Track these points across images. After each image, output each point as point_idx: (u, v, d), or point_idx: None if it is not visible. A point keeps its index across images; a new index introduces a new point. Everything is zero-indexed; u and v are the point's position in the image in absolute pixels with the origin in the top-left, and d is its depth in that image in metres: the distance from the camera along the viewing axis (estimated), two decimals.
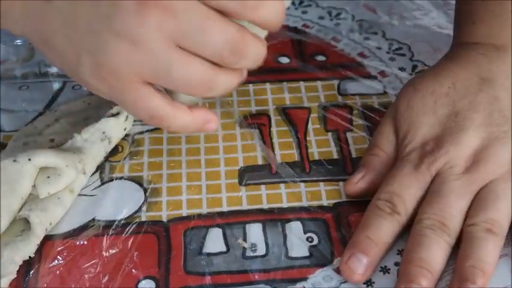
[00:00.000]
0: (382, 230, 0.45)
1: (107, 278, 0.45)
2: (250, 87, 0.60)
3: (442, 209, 0.45)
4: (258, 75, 0.60)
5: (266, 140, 0.55)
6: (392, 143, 0.50)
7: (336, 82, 0.60)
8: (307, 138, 0.55)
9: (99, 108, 0.56)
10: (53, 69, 0.61)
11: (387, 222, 0.45)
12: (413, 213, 0.46)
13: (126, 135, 0.55)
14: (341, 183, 0.51)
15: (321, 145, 0.54)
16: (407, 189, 0.46)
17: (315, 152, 0.54)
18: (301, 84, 0.60)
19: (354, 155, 0.53)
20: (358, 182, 0.49)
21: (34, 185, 0.48)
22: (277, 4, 0.39)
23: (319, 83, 0.60)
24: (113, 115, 0.53)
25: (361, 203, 0.49)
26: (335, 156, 0.53)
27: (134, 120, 0.55)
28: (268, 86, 0.60)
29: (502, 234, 0.45)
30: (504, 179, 0.46)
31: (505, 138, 0.47)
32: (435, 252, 0.43)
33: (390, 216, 0.45)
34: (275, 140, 0.55)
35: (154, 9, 0.37)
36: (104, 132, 0.52)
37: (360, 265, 0.44)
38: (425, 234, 0.44)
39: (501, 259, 0.45)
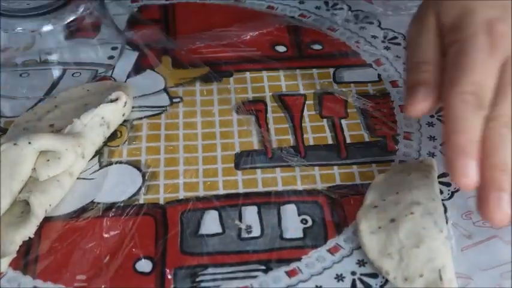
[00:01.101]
0: (476, 127, 0.43)
1: (108, 258, 0.46)
2: (248, 74, 0.60)
3: None
4: (255, 63, 0.61)
5: (262, 125, 0.56)
6: (436, 47, 0.47)
7: (331, 70, 0.61)
8: (303, 124, 0.56)
9: (98, 94, 0.57)
10: (53, 57, 0.62)
11: (478, 118, 0.43)
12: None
13: (125, 121, 0.56)
14: (335, 168, 0.52)
15: (316, 131, 0.55)
16: (490, 80, 0.44)
17: (310, 137, 0.55)
18: (298, 72, 0.61)
19: (348, 140, 0.54)
20: (425, 100, 0.46)
21: (34, 168, 0.49)
22: None
23: (315, 71, 0.61)
24: (112, 101, 0.54)
25: (355, 186, 0.50)
26: (330, 141, 0.54)
27: (133, 107, 0.56)
28: (264, 73, 0.61)
29: None
30: None
31: None
32: (510, 151, 0.43)
33: (479, 110, 0.43)
34: (271, 126, 0.56)
35: None
36: (102, 118, 0.53)
37: (473, 170, 0.42)
38: (503, 133, 0.43)
39: (491, 240, 0.46)
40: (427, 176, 0.49)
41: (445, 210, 0.48)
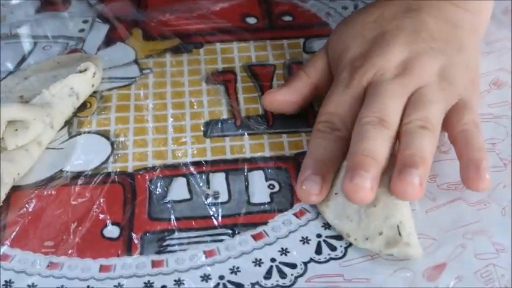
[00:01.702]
0: (327, 149, 0.47)
1: (75, 224, 0.46)
2: (218, 46, 0.61)
3: (379, 108, 0.46)
4: (225, 34, 0.61)
5: (232, 95, 0.56)
6: (318, 71, 0.53)
7: (301, 41, 0.61)
8: None
9: (68, 66, 0.57)
10: (24, 31, 0.62)
11: (330, 141, 0.47)
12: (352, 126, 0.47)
13: (95, 92, 0.56)
14: (303, 135, 0.52)
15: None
16: (342, 107, 0.48)
17: None
18: (268, 42, 0.61)
19: (316, 108, 0.54)
20: (274, 92, 0.52)
21: (2, 138, 0.49)
22: None
23: (285, 42, 0.61)
24: (81, 71, 0.54)
25: None
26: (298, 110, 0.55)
27: (103, 78, 0.57)
28: (235, 44, 0.61)
29: (435, 132, 0.46)
30: (434, 86, 0.48)
31: (432, 54, 0.49)
32: (378, 142, 0.44)
33: (331, 135, 0.47)
34: (240, 96, 0.56)
35: None
36: (71, 88, 0.53)
37: (314, 186, 0.45)
38: (366, 129, 0.45)
39: (455, 202, 0.47)
40: None
41: None
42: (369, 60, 0.49)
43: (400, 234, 0.43)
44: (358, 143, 0.45)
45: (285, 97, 0.52)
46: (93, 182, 0.49)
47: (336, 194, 0.46)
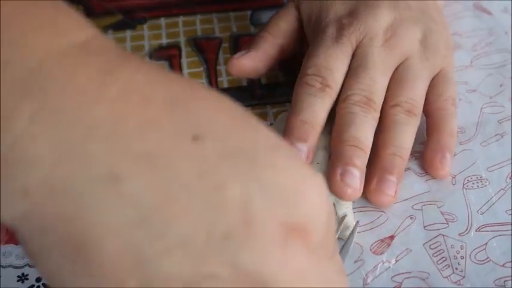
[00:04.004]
0: (316, 109, 0.43)
1: None
2: (162, 20, 0.59)
3: (368, 84, 0.44)
4: (170, 9, 0.59)
5: (176, 71, 0.54)
6: (284, 31, 0.50)
7: (249, 12, 0.59)
8: (217, 67, 0.54)
9: None
10: None
11: (319, 99, 0.44)
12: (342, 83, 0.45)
13: None
14: (249, 109, 0.51)
15: (230, 73, 0.53)
16: (334, 61, 0.45)
17: (224, 80, 0.53)
18: (214, 15, 0.59)
19: (263, 81, 0.53)
20: (241, 58, 0.48)
21: None
22: None
23: (231, 14, 0.59)
24: None
25: (268, 126, 0.49)
26: (244, 83, 0.53)
27: None
28: (180, 19, 0.59)
29: (419, 113, 0.45)
30: (418, 56, 0.47)
31: (412, 21, 0.48)
32: (366, 130, 0.43)
33: (321, 91, 0.44)
34: (185, 71, 0.54)
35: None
36: None
37: (300, 154, 0.42)
38: (354, 111, 0.43)
39: (404, 173, 0.45)
40: None
41: None
42: (359, 19, 0.47)
43: (335, 213, 0.41)
44: (347, 129, 0.43)
45: (252, 62, 0.49)
46: None
47: None
